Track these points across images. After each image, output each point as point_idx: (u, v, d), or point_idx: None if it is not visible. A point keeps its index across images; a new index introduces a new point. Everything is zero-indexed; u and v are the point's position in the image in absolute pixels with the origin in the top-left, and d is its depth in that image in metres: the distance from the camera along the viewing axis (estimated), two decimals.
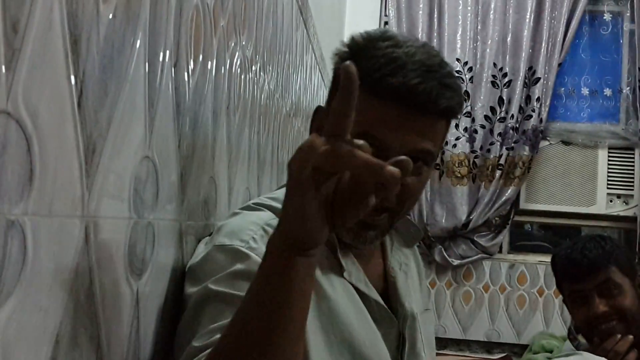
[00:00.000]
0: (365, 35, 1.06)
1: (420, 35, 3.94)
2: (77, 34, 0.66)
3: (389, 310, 1.15)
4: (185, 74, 1.03)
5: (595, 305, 1.87)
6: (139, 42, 0.83)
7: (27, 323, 0.60)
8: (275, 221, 1.03)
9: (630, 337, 1.83)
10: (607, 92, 4.19)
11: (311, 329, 1.00)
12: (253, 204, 1.13)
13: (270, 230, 1.01)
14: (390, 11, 4.03)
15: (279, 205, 1.07)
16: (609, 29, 4.25)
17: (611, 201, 4.06)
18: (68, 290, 0.67)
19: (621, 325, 1.87)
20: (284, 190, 1.14)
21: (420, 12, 3.98)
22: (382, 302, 1.14)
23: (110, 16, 0.74)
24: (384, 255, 1.23)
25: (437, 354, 1.40)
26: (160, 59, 0.91)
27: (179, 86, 1.00)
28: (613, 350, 1.80)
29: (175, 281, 1.03)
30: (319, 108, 1.13)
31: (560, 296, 2.09)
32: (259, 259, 0.94)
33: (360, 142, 0.65)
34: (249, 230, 1.02)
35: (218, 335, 0.85)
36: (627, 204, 4.05)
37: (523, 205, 4.08)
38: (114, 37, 0.75)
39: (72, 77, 0.66)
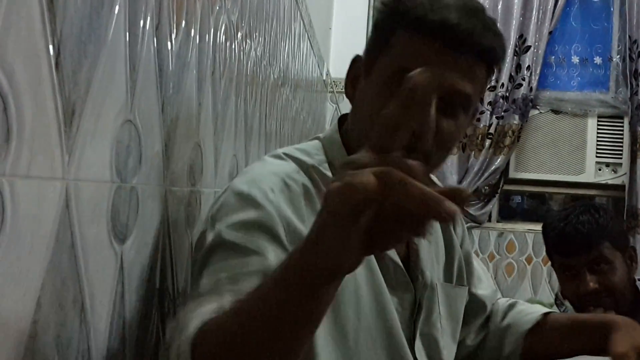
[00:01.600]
0: None
1: None
2: None
3: (407, 275, 1.12)
4: (168, 37, 1.02)
5: (586, 282, 1.86)
6: (118, 3, 0.82)
7: (7, 287, 0.59)
8: (298, 175, 1.04)
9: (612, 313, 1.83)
10: (597, 60, 4.18)
11: None
12: (283, 153, 1.11)
13: (292, 184, 1.02)
14: None
15: (306, 158, 1.08)
16: None
17: (600, 170, 4.07)
18: (49, 254, 0.67)
19: (609, 301, 1.87)
20: (313, 143, 1.15)
21: None
22: (401, 264, 1.11)
23: None
24: None
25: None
26: (142, 21, 0.90)
27: (161, 50, 0.99)
28: None
29: (161, 247, 1.03)
30: (357, 57, 1.13)
31: (549, 264, 2.08)
32: (273, 211, 0.96)
33: (414, 163, 0.56)
34: (269, 180, 1.01)
35: (222, 275, 0.88)
36: (615, 172, 4.06)
37: (512, 174, 4.08)
38: None
39: (49, 37, 0.65)
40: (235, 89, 1.52)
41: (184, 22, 1.09)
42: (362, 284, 1.05)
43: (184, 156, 1.13)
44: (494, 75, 1.09)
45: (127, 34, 0.85)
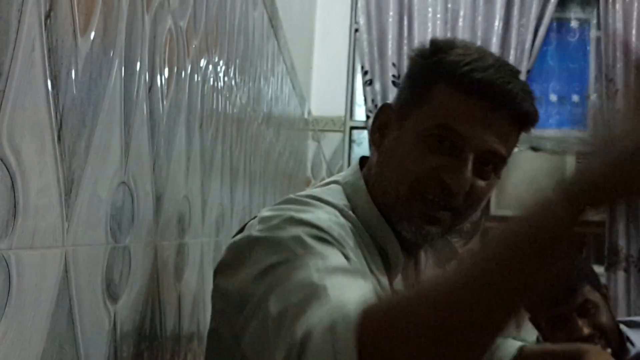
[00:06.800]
0: (445, 39, 1.07)
1: (390, 42, 3.98)
2: (57, 69, 0.68)
3: None
4: (160, 98, 1.05)
5: (579, 328, 1.85)
6: (115, 70, 0.85)
7: (12, 353, 0.62)
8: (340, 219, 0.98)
9: (608, 350, 1.83)
10: (575, 98, 4.26)
11: None
12: (311, 195, 1.03)
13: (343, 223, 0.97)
14: (360, 19, 4.06)
15: (337, 202, 1.03)
16: (576, 36, 4.32)
17: None
18: (50, 319, 0.69)
19: (603, 342, 1.87)
20: (334, 187, 1.09)
21: (390, 19, 4.01)
22: None
23: (88, 48, 0.76)
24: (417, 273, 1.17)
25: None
26: (136, 84, 0.93)
27: (153, 109, 1.02)
28: None
29: (152, 302, 1.05)
30: (386, 105, 1.12)
31: None
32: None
33: None
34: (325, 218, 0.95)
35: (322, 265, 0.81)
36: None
37: (494, 211, 4.12)
38: (91, 68, 0.77)
39: (53, 112, 0.68)
40: (222, 137, 1.55)
41: (174, 79, 1.12)
42: None
43: (174, 209, 1.16)
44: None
45: (123, 98, 0.88)
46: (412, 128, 1.03)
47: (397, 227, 1.05)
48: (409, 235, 1.04)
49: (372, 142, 1.11)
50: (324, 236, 0.88)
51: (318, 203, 1.00)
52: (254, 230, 0.93)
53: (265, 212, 0.97)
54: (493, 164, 1.03)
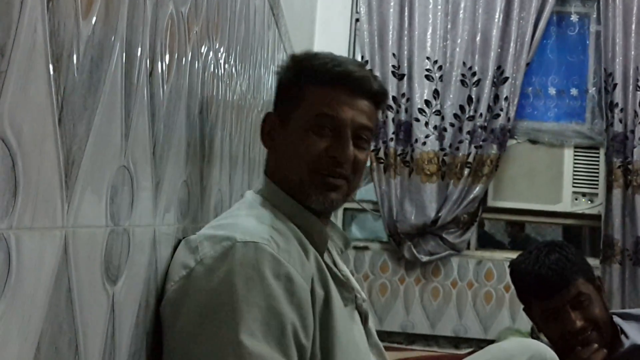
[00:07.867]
0: (304, 51, 1.35)
1: (391, 33, 3.99)
2: (59, 52, 0.69)
3: (353, 292, 1.32)
4: (160, 82, 1.05)
5: (572, 321, 1.86)
6: (116, 54, 0.86)
7: (11, 332, 0.62)
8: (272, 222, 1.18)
9: (605, 350, 1.84)
10: (574, 92, 4.26)
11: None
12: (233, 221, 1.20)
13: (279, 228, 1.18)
14: (361, 9, 4.06)
15: (261, 208, 1.24)
16: (576, 30, 4.32)
17: (576, 199, 4.13)
18: (49, 299, 0.70)
19: (596, 334, 1.88)
20: (249, 198, 1.30)
21: (391, 10, 4.01)
22: (348, 283, 1.31)
23: (90, 32, 0.77)
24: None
25: (403, 349, 1.50)
26: (137, 69, 0.94)
27: (154, 94, 1.02)
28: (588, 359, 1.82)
29: (149, 285, 1.06)
30: (269, 114, 1.36)
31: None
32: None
33: None
34: (262, 231, 1.13)
35: None
36: (592, 202, 4.12)
37: (491, 202, 4.14)
38: (93, 51, 0.78)
39: (54, 95, 0.68)
40: (222, 124, 1.56)
41: (175, 64, 1.13)
42: (348, 312, 1.27)
43: (173, 194, 1.17)
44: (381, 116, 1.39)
45: (124, 82, 0.89)
46: (297, 124, 1.27)
47: (307, 203, 1.26)
48: (319, 206, 1.27)
49: (265, 145, 1.36)
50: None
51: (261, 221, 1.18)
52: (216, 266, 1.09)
53: (210, 250, 1.11)
54: (365, 136, 1.29)
